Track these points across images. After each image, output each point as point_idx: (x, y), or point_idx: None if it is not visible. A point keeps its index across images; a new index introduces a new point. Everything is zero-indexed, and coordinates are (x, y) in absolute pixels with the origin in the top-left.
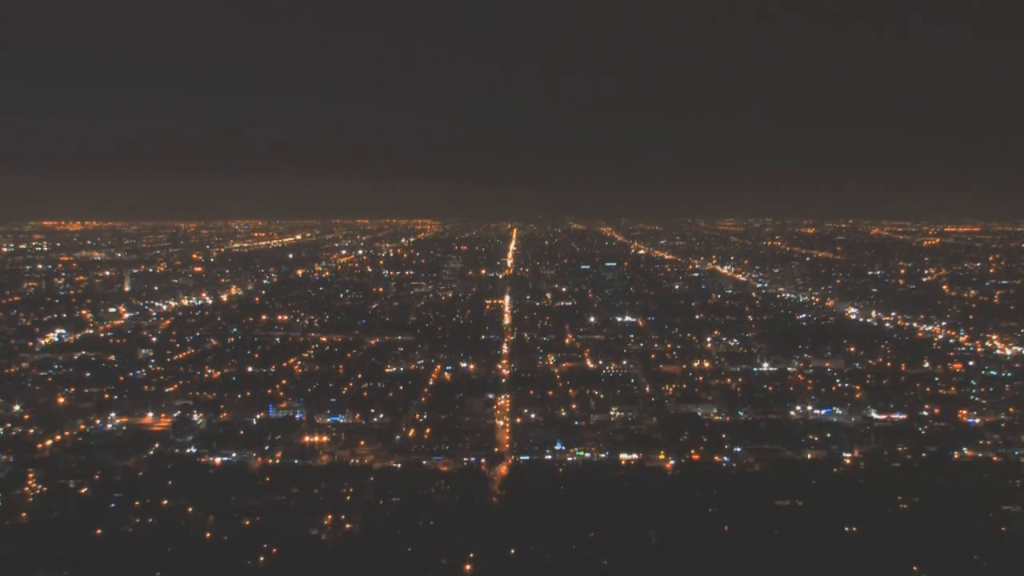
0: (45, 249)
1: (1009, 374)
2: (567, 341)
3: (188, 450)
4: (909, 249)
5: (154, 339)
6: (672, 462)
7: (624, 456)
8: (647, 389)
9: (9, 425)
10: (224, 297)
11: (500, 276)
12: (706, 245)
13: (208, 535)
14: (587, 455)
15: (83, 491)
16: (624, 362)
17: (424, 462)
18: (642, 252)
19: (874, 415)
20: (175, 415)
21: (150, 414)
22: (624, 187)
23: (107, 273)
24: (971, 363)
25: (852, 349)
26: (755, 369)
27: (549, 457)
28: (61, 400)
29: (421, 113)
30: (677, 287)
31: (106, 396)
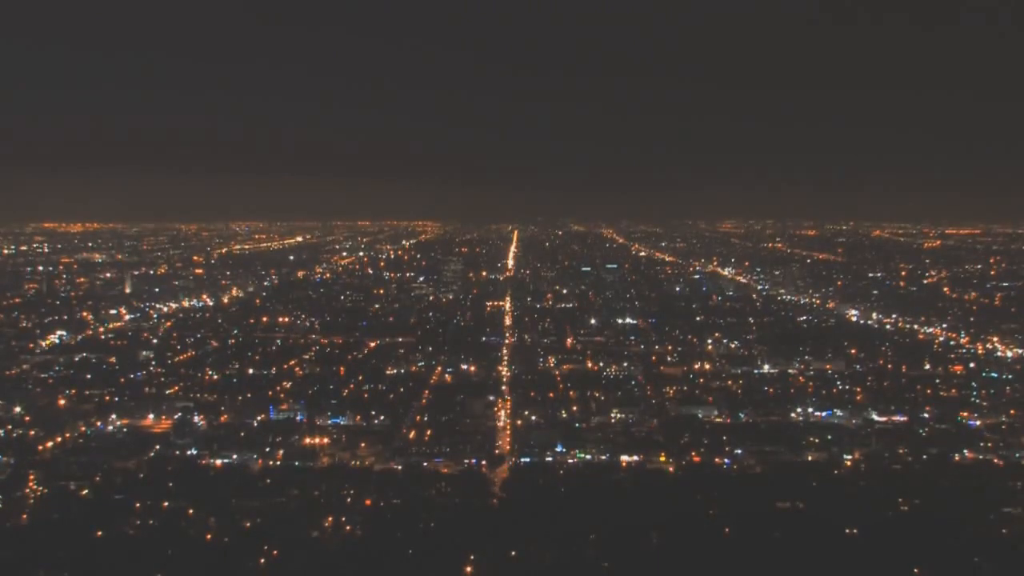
0: (46, 251)
1: (1010, 376)
2: (568, 343)
3: (189, 452)
4: (910, 251)
5: (155, 341)
6: (673, 464)
7: (625, 458)
8: (648, 391)
9: (10, 427)
10: (225, 299)
11: (501, 278)
12: (707, 247)
13: (209, 537)
14: (588, 457)
15: (84, 493)
16: (625, 364)
17: (425, 464)
18: (643, 254)
19: (875, 417)
20: (176, 417)
21: (151, 416)
22: (624, 188)
23: (108, 275)
24: (972, 365)
25: (853, 351)
26: (756, 371)
27: (550, 459)
28: (62, 402)
29: (421, 113)
30: (678, 289)
31: (107, 398)
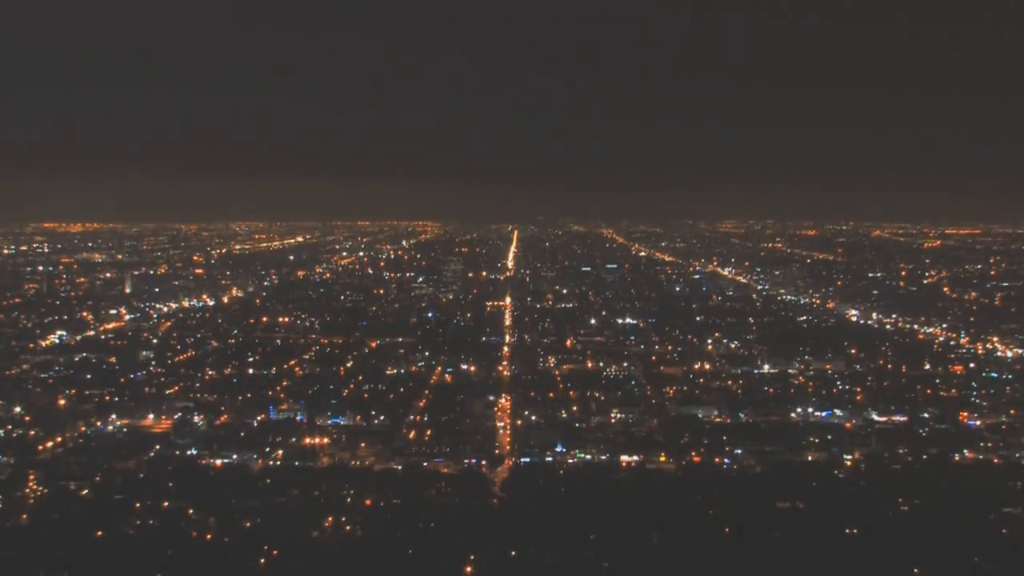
0: (46, 251)
1: (1010, 376)
2: (568, 343)
3: (189, 452)
4: (910, 251)
5: (155, 341)
6: (673, 464)
7: (625, 458)
8: (648, 391)
9: (10, 427)
10: (225, 299)
11: (501, 278)
12: (707, 247)
13: (209, 537)
14: (588, 457)
15: (84, 493)
16: (625, 364)
17: (425, 464)
18: (643, 254)
19: (875, 417)
20: (176, 417)
21: (151, 416)
22: (624, 188)
23: (108, 275)
24: (972, 365)
25: (853, 351)
26: (756, 371)
27: (550, 459)
28: (62, 402)
29: (420, 113)
30: (678, 289)
31: (107, 398)
